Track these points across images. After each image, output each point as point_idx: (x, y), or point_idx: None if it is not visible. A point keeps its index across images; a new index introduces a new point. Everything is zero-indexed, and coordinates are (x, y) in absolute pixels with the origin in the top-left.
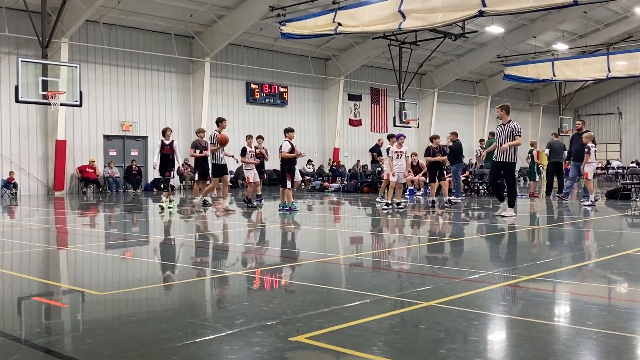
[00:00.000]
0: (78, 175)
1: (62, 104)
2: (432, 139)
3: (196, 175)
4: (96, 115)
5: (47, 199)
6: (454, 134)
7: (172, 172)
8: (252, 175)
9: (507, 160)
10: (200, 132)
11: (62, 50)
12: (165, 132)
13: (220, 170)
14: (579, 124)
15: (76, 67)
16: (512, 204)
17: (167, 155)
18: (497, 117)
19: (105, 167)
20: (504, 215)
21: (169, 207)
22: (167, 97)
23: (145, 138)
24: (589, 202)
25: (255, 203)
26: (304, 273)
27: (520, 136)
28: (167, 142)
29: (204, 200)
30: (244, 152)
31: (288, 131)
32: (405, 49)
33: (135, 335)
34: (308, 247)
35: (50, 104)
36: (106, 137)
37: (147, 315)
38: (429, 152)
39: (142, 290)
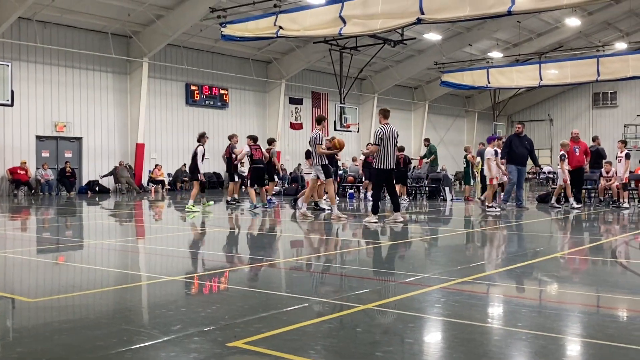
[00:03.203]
0: (9, 177)
1: None
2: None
3: (248, 182)
4: (28, 115)
5: None
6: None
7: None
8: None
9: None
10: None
11: None
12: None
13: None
14: (519, 128)
15: (7, 65)
16: (375, 211)
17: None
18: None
19: (38, 168)
20: (371, 221)
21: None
22: (103, 97)
23: (79, 139)
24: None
25: (258, 207)
26: (244, 277)
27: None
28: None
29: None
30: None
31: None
32: (346, 54)
33: (68, 342)
34: (248, 251)
35: None
36: (39, 137)
37: (80, 322)
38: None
39: (76, 297)
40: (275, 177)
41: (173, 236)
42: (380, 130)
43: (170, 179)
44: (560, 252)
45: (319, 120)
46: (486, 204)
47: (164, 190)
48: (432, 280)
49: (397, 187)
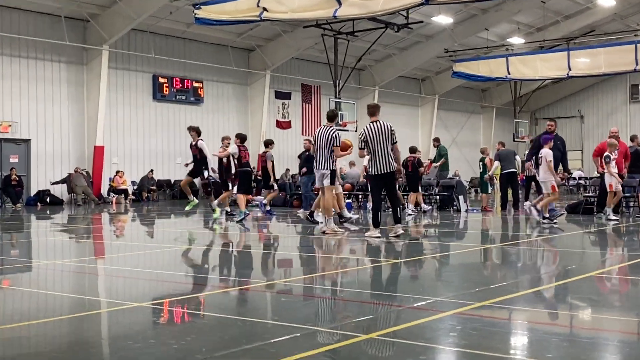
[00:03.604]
0: None
1: None
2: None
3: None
4: None
5: None
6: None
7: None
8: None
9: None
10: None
11: None
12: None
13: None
14: (551, 125)
15: None
16: (375, 223)
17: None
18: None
19: None
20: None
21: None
22: (55, 92)
23: (27, 141)
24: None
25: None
26: (224, 303)
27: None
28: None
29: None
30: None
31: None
32: (342, 40)
33: None
34: (229, 272)
35: None
36: None
37: (30, 357)
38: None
39: (23, 327)
40: (274, 186)
41: (139, 255)
42: (362, 132)
43: (135, 188)
44: (595, 271)
45: (332, 117)
46: (543, 214)
47: (128, 201)
48: (446, 305)
49: (412, 196)
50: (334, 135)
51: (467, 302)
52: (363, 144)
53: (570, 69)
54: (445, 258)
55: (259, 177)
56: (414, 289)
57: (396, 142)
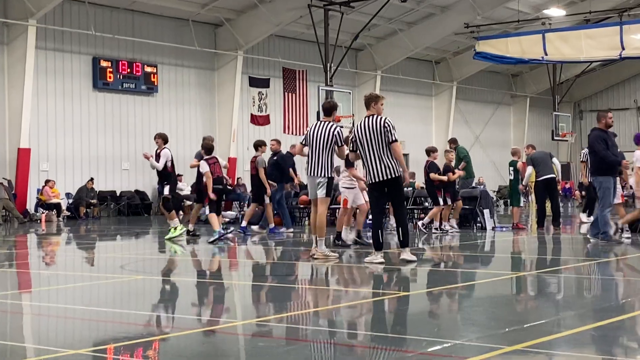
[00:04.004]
0: None
1: None
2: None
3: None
4: None
5: None
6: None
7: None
8: (351, 198)
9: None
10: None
11: None
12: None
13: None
14: (610, 117)
15: None
16: (378, 246)
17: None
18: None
19: None
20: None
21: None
22: None
23: None
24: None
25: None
26: (182, 348)
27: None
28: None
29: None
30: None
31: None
32: (334, 11)
33: None
34: (192, 309)
35: None
36: None
37: None
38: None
39: None
40: (267, 199)
41: (75, 288)
42: (350, 133)
43: (70, 201)
44: None
45: (329, 109)
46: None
47: (61, 218)
48: (468, 350)
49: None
50: (335, 132)
51: (495, 346)
52: (353, 145)
53: (623, 48)
54: (467, 289)
55: (229, 187)
56: (427, 330)
57: (394, 140)
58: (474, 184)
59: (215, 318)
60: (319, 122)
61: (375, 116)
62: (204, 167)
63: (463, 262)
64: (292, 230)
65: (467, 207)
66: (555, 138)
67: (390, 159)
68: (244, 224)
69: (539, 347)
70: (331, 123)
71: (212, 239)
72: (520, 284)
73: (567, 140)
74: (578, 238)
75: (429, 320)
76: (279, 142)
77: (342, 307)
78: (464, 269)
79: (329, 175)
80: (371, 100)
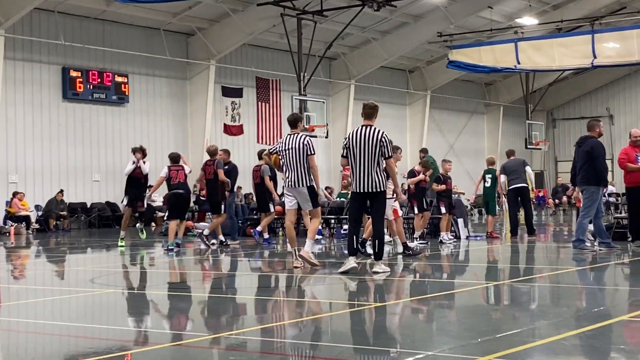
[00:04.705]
0: None
1: None
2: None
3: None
4: None
5: None
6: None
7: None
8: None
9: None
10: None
11: None
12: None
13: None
14: (601, 126)
15: None
16: (352, 251)
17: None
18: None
19: None
20: (377, 271)
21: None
22: None
23: None
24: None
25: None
26: None
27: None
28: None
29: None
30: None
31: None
32: (307, 20)
33: None
34: (164, 323)
35: None
36: None
37: None
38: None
39: None
40: (270, 207)
41: (45, 302)
42: (345, 137)
43: (40, 214)
44: (629, 314)
45: (294, 121)
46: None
47: (30, 231)
48: None
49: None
50: (304, 142)
51: (468, 357)
52: (345, 151)
53: (595, 57)
54: (440, 299)
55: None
56: (399, 341)
57: (390, 156)
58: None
59: (184, 332)
60: (288, 135)
61: (372, 127)
62: (164, 172)
63: (436, 271)
64: (238, 241)
65: (439, 216)
66: (529, 146)
67: (379, 173)
68: (266, 235)
69: (512, 357)
70: (300, 134)
71: (165, 248)
72: (493, 294)
73: (540, 149)
74: (552, 247)
75: (401, 331)
76: (227, 152)
77: (313, 318)
78: (437, 279)
79: (310, 184)
80: (376, 112)
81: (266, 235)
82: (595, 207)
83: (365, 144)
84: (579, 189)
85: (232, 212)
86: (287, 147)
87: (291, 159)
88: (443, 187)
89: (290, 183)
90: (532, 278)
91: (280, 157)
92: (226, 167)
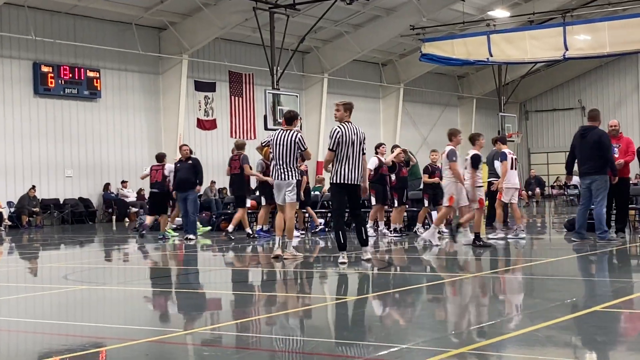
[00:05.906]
0: None
1: None
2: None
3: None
4: None
5: None
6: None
7: None
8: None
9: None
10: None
11: None
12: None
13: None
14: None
15: None
16: (341, 246)
17: None
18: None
19: None
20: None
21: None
22: None
23: None
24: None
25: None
26: (131, 359)
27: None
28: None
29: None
30: None
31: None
32: (280, 14)
33: None
34: (140, 319)
35: None
36: None
37: None
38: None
39: None
40: (248, 202)
41: (18, 300)
42: (338, 130)
43: (12, 210)
44: (601, 305)
45: (290, 119)
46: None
47: (2, 227)
48: (415, 354)
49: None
50: (297, 139)
51: (442, 349)
52: (336, 145)
53: (567, 49)
54: (415, 293)
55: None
56: (374, 334)
57: (365, 153)
58: (421, 186)
59: (160, 327)
60: (281, 130)
61: (356, 125)
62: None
63: (410, 264)
64: (195, 237)
65: (414, 209)
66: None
67: (360, 168)
68: (265, 228)
69: (486, 349)
70: (292, 131)
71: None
72: (467, 286)
73: (513, 141)
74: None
75: (376, 324)
76: (189, 149)
77: (287, 313)
78: (411, 272)
79: (298, 178)
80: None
81: (263, 227)
82: (606, 195)
83: (356, 139)
84: (580, 180)
85: (193, 208)
86: (277, 142)
87: (282, 154)
88: (436, 179)
89: (279, 176)
90: (507, 269)
91: (269, 151)
92: (190, 161)
